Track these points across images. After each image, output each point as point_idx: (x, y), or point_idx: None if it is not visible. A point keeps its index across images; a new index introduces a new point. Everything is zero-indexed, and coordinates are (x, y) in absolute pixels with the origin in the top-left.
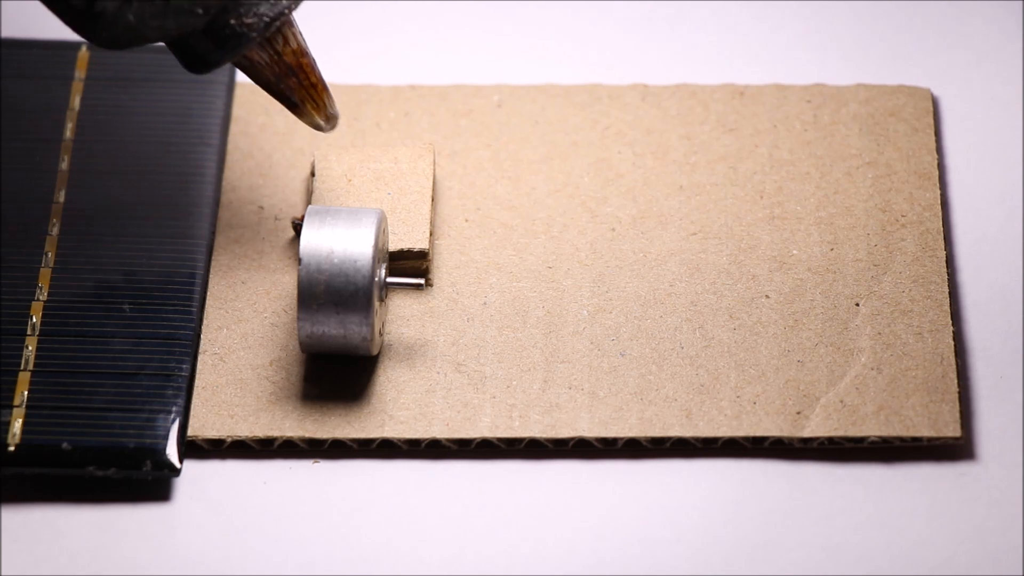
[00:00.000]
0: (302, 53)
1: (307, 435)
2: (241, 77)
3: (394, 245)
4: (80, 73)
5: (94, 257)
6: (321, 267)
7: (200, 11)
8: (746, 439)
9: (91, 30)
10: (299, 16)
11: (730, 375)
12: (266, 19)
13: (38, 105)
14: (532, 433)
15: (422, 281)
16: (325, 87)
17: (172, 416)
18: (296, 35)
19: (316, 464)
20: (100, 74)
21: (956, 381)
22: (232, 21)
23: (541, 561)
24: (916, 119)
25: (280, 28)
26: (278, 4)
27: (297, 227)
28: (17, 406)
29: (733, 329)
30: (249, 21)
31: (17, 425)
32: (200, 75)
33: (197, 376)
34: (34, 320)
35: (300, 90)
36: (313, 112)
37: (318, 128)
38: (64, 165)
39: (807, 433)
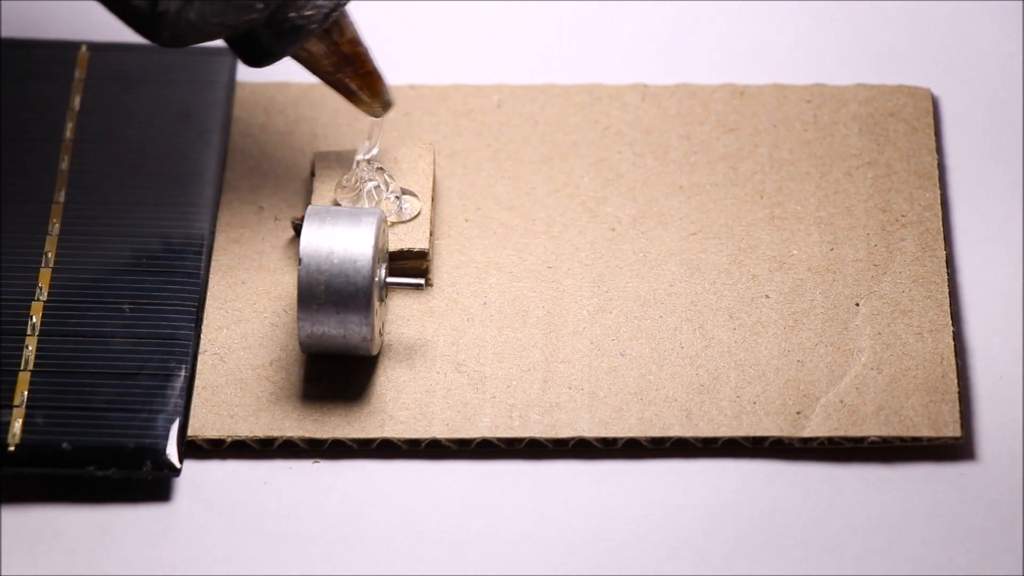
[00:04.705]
0: (357, 43)
1: (307, 435)
2: (241, 77)
3: (394, 245)
4: (80, 73)
5: (94, 257)
6: (321, 267)
7: (260, 6)
8: (746, 439)
9: (153, 30)
10: None
11: (730, 375)
12: (324, 10)
13: (38, 105)
14: (532, 433)
15: (422, 281)
16: (379, 75)
17: (172, 416)
18: (351, 25)
19: (316, 464)
20: (100, 74)
21: (956, 381)
22: (292, 14)
23: (541, 561)
24: (916, 119)
25: (337, 19)
26: None
27: (297, 227)
28: (17, 406)
29: (733, 329)
30: (308, 13)
31: (17, 425)
32: (256, 67)
33: (197, 376)
34: (34, 320)
35: (356, 78)
36: (369, 99)
37: (374, 115)
38: (64, 165)
39: (807, 433)
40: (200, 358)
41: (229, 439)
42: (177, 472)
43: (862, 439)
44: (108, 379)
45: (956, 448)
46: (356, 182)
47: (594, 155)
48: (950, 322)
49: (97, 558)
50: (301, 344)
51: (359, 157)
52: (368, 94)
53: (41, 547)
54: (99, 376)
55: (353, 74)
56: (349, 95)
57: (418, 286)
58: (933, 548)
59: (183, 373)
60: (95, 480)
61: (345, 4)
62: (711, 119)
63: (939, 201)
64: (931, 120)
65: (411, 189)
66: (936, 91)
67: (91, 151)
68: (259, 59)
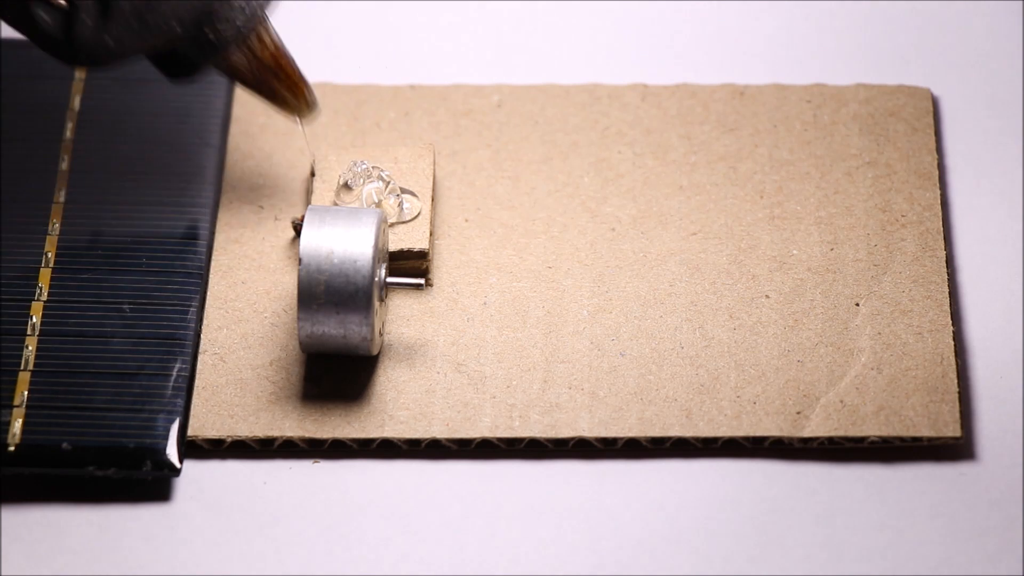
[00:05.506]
0: (278, 51)
1: (307, 435)
2: None
3: (394, 245)
4: (80, 73)
5: (94, 257)
6: (321, 267)
7: (176, 27)
8: (746, 439)
9: (70, 55)
10: (300, 16)
11: (730, 375)
12: (239, 24)
13: (38, 105)
14: (532, 433)
15: (422, 281)
16: (303, 80)
17: (172, 416)
18: (270, 34)
19: (316, 464)
20: (100, 74)
21: (956, 381)
22: (207, 31)
23: (541, 561)
24: (916, 119)
25: (254, 30)
26: (248, 7)
27: (297, 227)
28: (17, 406)
29: (733, 329)
30: (222, 28)
31: (17, 425)
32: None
33: (197, 376)
34: (34, 320)
35: (280, 86)
36: (294, 106)
37: (301, 118)
38: (64, 165)
39: (807, 433)
40: (200, 358)
41: (229, 439)
42: (177, 472)
43: (862, 439)
44: (108, 379)
45: (956, 448)
46: (356, 182)
47: (594, 155)
48: (950, 322)
49: (97, 558)
50: (301, 344)
51: (357, 159)
52: (292, 100)
53: (41, 547)
54: (99, 376)
55: (276, 82)
56: (273, 101)
57: (418, 286)
58: (933, 548)
59: (183, 373)
60: (95, 480)
61: (262, 15)
62: (711, 119)
63: (939, 201)
64: (931, 120)
65: (411, 189)
66: (936, 91)
67: (91, 151)
68: (179, 74)
